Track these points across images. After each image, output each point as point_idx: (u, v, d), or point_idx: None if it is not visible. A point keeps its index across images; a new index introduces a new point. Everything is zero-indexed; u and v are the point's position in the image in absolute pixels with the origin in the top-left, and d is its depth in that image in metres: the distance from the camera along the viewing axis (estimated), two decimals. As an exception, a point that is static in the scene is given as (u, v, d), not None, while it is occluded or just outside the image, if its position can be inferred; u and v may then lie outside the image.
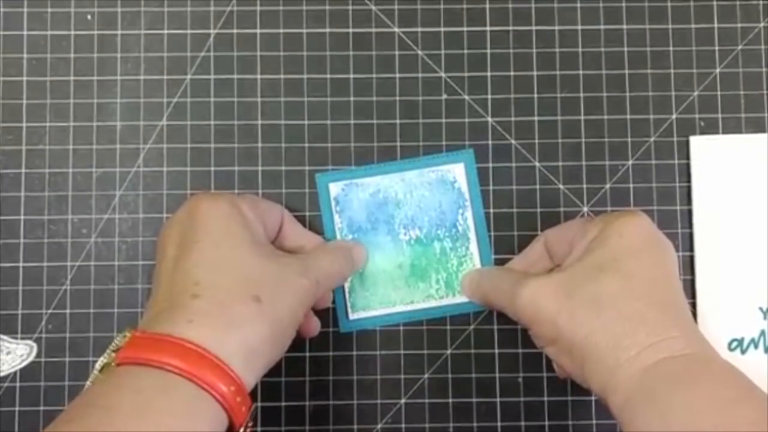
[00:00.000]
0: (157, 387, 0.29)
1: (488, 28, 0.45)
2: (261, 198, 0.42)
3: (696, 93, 0.45)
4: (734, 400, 0.30)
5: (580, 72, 0.45)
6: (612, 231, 0.35)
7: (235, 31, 0.45)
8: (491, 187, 0.44)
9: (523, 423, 0.43)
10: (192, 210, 0.35)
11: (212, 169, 0.44)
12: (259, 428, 0.43)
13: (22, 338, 0.43)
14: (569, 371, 0.35)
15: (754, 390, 0.31)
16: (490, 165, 0.44)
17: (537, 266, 0.41)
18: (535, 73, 0.45)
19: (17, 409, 0.43)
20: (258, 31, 0.45)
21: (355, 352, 0.43)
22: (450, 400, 0.43)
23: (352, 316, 0.43)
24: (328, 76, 0.45)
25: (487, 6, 0.45)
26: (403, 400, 0.43)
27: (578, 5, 0.45)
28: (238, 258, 0.33)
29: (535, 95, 0.44)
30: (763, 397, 0.30)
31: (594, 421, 0.43)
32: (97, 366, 0.31)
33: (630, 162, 0.44)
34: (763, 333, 0.43)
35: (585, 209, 0.44)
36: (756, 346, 0.43)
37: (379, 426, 0.43)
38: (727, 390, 0.30)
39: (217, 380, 0.30)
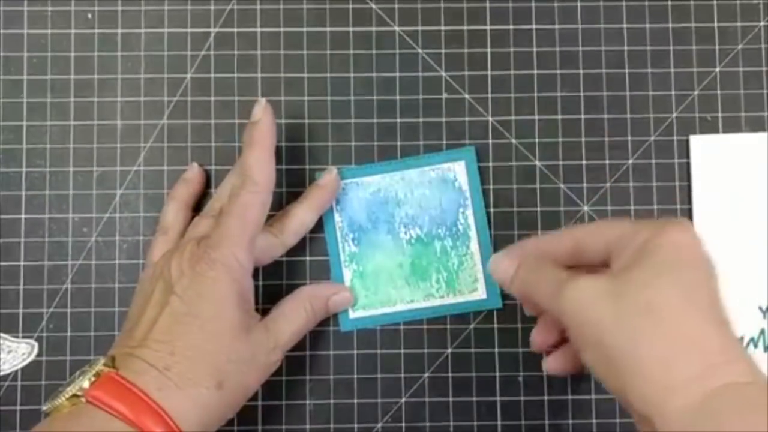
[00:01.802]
0: None
1: (488, 27, 0.45)
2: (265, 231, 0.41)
3: (696, 92, 0.45)
4: None
5: (580, 71, 0.45)
6: (667, 240, 0.32)
7: (235, 29, 0.45)
8: (492, 186, 0.44)
9: (523, 422, 0.43)
10: (196, 279, 0.36)
11: (213, 167, 0.44)
12: (260, 427, 0.43)
13: (23, 337, 0.43)
14: (603, 379, 0.33)
15: None
16: (491, 164, 0.44)
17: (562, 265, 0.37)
18: (535, 71, 0.45)
19: (18, 408, 0.43)
20: (258, 29, 0.45)
21: (355, 351, 0.43)
22: (450, 399, 0.43)
23: (352, 315, 0.43)
24: (329, 74, 0.45)
25: (488, 5, 0.45)
26: (403, 399, 0.43)
27: (578, 4, 0.45)
28: (214, 346, 0.36)
29: (536, 94, 0.44)
30: None
31: (594, 421, 0.43)
32: (66, 395, 0.34)
33: (630, 161, 0.44)
34: (762, 332, 0.43)
35: (585, 208, 0.44)
36: (756, 345, 0.43)
37: (379, 425, 0.43)
38: None
39: None
